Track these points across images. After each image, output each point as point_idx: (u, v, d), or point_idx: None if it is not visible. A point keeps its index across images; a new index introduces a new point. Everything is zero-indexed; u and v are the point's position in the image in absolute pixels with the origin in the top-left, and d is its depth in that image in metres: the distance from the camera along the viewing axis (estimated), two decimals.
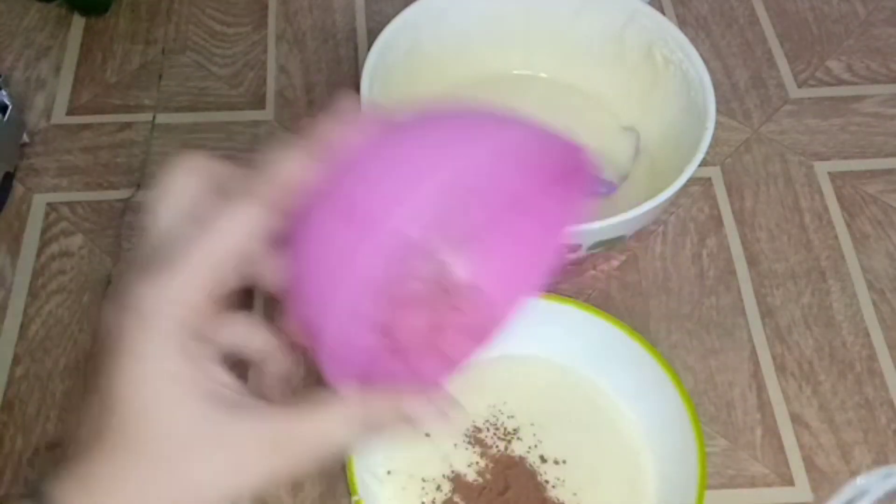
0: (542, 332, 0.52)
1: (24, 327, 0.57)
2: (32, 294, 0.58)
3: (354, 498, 0.47)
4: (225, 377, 0.29)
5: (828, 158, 0.66)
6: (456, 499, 0.50)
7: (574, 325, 0.53)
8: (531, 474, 0.51)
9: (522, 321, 0.37)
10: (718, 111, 0.56)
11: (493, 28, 0.64)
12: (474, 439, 0.52)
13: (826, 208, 0.63)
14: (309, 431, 0.30)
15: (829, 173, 0.65)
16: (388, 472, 0.51)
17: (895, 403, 0.55)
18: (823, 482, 0.52)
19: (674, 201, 0.58)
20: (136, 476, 0.28)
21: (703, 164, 0.53)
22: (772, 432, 0.54)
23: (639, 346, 0.52)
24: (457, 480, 0.50)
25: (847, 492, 0.49)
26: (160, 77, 0.69)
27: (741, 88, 0.70)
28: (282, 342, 0.31)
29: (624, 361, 0.52)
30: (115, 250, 0.60)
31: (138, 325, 0.27)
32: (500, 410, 0.53)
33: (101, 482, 0.28)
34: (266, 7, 0.74)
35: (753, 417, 0.54)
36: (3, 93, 0.61)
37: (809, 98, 0.69)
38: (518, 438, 0.52)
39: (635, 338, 0.52)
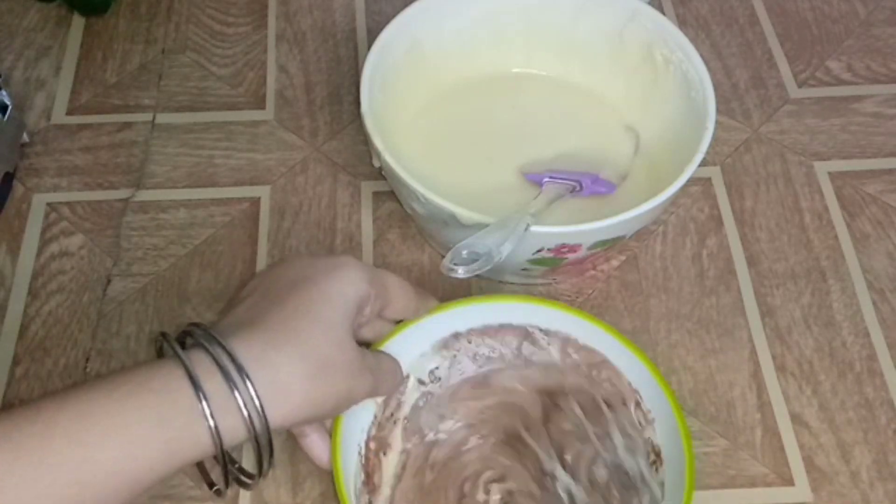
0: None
1: (24, 327, 0.57)
2: (32, 294, 0.58)
3: None
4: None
5: (828, 158, 0.66)
6: None
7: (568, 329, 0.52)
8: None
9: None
10: (718, 111, 0.56)
11: (493, 28, 0.64)
12: None
13: (826, 208, 0.63)
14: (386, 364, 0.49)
15: (829, 173, 0.65)
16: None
17: (895, 403, 0.55)
18: (823, 482, 0.52)
19: (674, 201, 0.58)
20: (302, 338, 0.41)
21: (703, 164, 0.54)
22: (772, 432, 0.54)
23: (629, 350, 0.51)
24: None
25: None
26: (160, 77, 0.69)
27: (741, 88, 0.70)
28: None
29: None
30: (115, 250, 0.60)
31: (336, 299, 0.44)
32: None
33: (275, 338, 0.41)
34: (266, 7, 0.74)
35: (753, 417, 0.54)
36: (3, 93, 0.61)
37: (809, 98, 0.69)
38: None
39: (626, 343, 0.51)
